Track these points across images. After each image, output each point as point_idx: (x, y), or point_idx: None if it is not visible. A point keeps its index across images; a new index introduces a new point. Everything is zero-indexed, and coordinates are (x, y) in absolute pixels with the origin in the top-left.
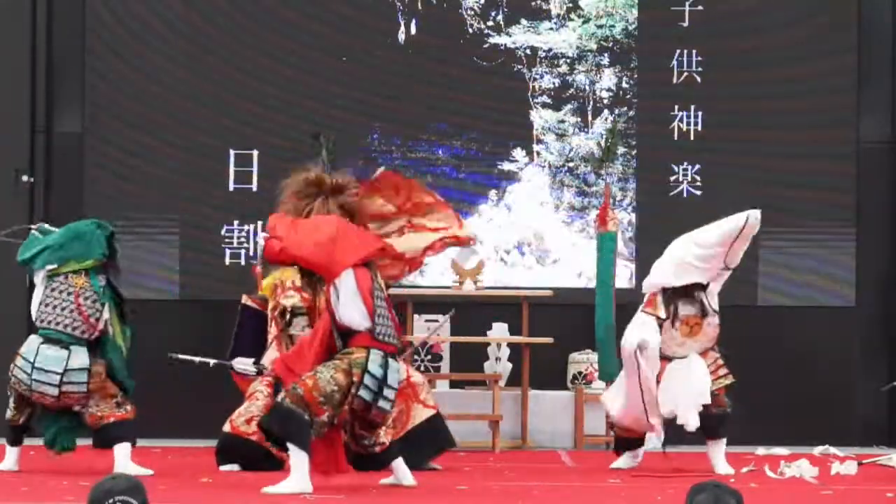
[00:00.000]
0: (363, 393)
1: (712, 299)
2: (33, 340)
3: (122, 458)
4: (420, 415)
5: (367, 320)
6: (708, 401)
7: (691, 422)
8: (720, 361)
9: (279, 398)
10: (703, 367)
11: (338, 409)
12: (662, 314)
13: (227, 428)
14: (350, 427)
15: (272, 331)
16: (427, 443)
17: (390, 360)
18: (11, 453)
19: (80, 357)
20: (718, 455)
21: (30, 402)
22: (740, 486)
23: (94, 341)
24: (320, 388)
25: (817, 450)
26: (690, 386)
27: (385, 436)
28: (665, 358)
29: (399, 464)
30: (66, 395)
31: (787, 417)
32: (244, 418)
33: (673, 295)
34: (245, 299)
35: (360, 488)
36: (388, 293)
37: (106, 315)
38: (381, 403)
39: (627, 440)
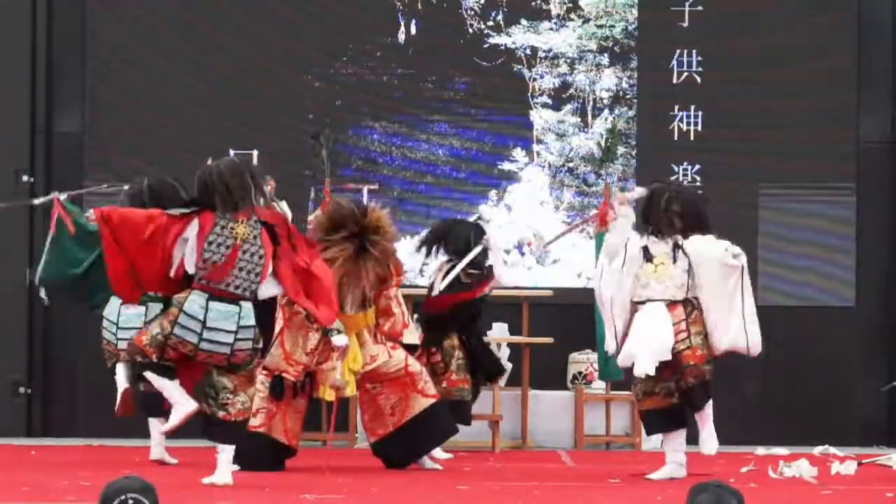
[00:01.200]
0: (178, 331)
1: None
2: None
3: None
4: (418, 404)
5: (192, 266)
6: (666, 356)
7: (643, 368)
8: (689, 320)
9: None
10: (667, 319)
11: (164, 350)
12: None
13: None
14: (208, 380)
15: (279, 320)
16: (426, 433)
17: (214, 303)
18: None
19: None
20: (703, 431)
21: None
22: (740, 486)
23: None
24: (149, 332)
25: (817, 450)
26: (648, 337)
27: (237, 411)
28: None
29: (222, 460)
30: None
31: (787, 417)
32: None
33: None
34: None
35: (360, 488)
36: (251, 244)
37: None
38: (204, 346)
39: (653, 414)
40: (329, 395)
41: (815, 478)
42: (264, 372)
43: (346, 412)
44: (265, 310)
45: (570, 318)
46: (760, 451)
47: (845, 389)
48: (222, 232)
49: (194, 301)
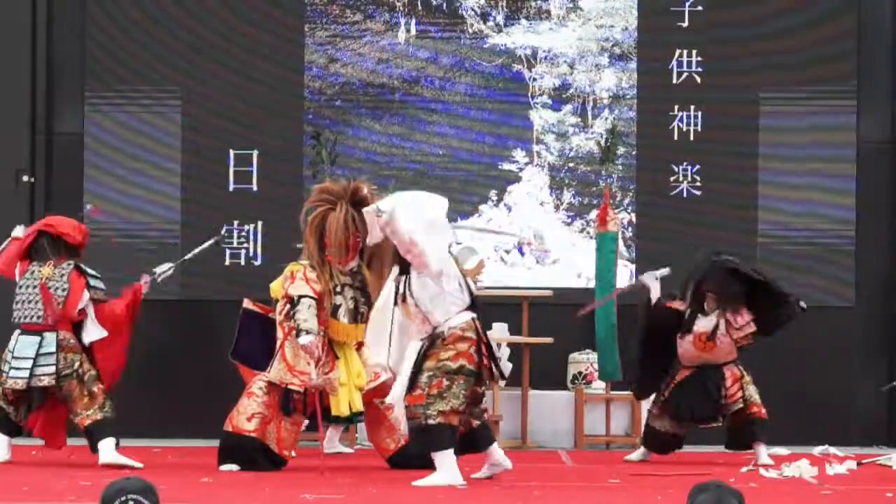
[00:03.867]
0: (10, 372)
1: None
2: None
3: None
4: None
5: None
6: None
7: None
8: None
9: None
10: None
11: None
12: None
13: (227, 427)
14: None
15: (279, 337)
16: None
17: (22, 336)
18: None
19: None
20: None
21: None
22: (740, 486)
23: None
24: None
25: (817, 450)
26: None
27: (83, 418)
28: None
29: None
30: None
31: (787, 417)
32: (244, 416)
33: None
34: (247, 303)
35: (360, 488)
36: (43, 281)
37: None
38: (12, 374)
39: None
40: (343, 410)
41: (815, 478)
42: (263, 380)
43: None
44: (268, 329)
45: (570, 318)
46: None
47: (845, 389)
48: (31, 276)
49: (13, 339)
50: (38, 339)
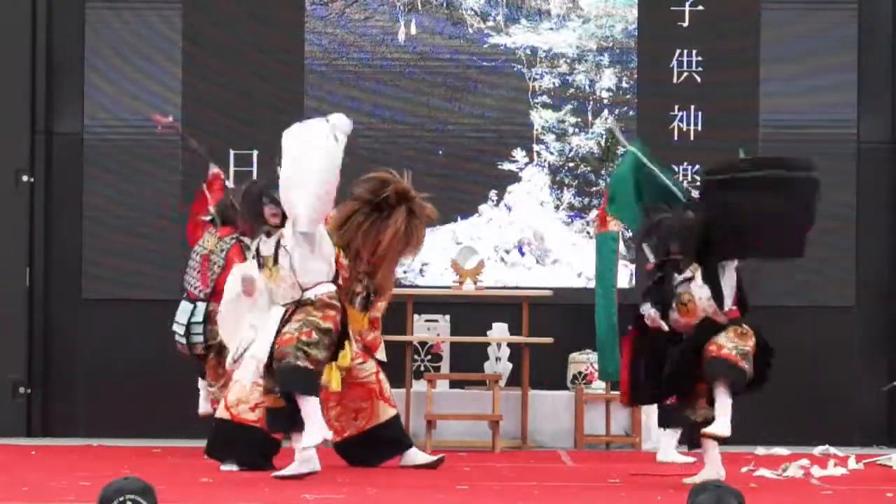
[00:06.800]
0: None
1: None
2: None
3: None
4: (384, 413)
5: None
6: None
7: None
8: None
9: None
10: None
11: None
12: None
13: (223, 414)
14: None
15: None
16: (386, 443)
17: (182, 302)
18: None
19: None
20: None
21: None
22: (740, 486)
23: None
24: None
25: (817, 450)
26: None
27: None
28: None
29: None
30: None
31: (787, 417)
32: (247, 406)
33: None
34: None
35: (360, 488)
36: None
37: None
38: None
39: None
40: (336, 384)
41: (816, 478)
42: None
43: None
44: None
45: (570, 318)
46: (760, 451)
47: (845, 389)
48: (201, 245)
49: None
50: (191, 307)
